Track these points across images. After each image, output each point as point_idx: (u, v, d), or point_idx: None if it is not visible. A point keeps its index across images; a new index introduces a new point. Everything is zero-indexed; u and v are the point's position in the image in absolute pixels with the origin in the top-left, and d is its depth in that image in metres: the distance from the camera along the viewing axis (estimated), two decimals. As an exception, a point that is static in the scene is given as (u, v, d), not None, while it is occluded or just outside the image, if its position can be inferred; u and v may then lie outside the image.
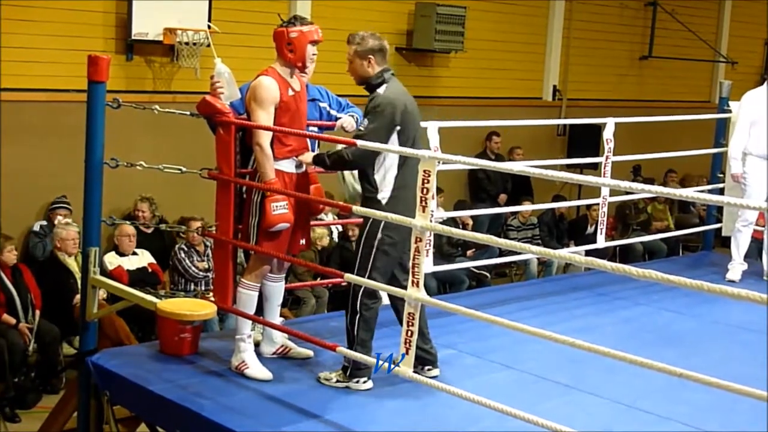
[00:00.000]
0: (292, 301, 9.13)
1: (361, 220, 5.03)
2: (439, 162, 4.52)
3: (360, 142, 4.62)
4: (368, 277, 4.78)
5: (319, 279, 8.63)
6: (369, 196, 4.89)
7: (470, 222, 10.79)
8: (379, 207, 4.78)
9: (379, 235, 4.81)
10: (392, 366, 4.34)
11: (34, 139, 8.83)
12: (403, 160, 4.79)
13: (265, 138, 4.94)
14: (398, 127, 4.78)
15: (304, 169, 5.15)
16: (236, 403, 4.66)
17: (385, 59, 4.93)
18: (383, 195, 4.84)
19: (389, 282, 4.91)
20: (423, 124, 5.61)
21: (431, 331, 5.13)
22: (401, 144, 4.77)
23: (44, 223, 8.86)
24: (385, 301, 5.11)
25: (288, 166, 5.05)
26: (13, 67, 8.53)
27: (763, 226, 8.02)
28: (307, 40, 5.00)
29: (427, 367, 5.05)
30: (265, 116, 4.94)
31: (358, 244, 4.93)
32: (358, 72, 4.92)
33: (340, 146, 4.87)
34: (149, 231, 9.15)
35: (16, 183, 8.61)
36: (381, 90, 4.87)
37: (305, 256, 8.48)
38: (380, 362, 4.49)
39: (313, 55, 5.16)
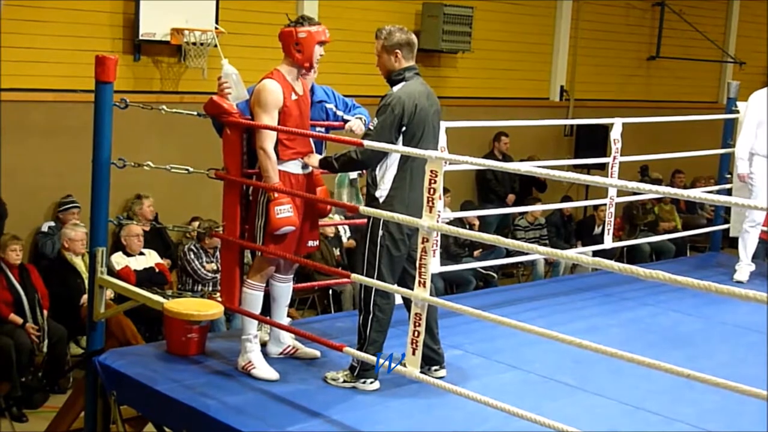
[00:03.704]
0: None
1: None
2: (445, 162, 4.51)
3: (367, 142, 4.61)
4: (377, 276, 4.77)
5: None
6: (369, 193, 4.90)
7: (477, 222, 10.78)
8: (377, 204, 4.78)
9: (380, 233, 4.80)
10: (395, 365, 4.34)
11: (41, 139, 8.84)
12: (404, 160, 4.78)
13: (268, 142, 4.93)
14: (404, 127, 4.77)
15: (310, 170, 5.14)
16: (243, 403, 4.66)
17: (412, 53, 4.92)
18: (380, 193, 4.83)
19: (402, 279, 4.90)
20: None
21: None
22: (404, 143, 4.76)
23: (53, 224, 8.86)
24: (398, 300, 5.10)
25: (294, 167, 5.05)
26: (21, 67, 8.54)
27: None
28: (315, 41, 4.99)
29: (434, 368, 5.04)
30: (268, 120, 4.94)
31: (363, 244, 4.91)
32: (386, 66, 4.92)
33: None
34: (147, 228, 9.12)
35: (23, 183, 8.63)
36: (396, 88, 4.85)
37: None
38: (384, 362, 4.49)
39: (320, 55, 5.17)
